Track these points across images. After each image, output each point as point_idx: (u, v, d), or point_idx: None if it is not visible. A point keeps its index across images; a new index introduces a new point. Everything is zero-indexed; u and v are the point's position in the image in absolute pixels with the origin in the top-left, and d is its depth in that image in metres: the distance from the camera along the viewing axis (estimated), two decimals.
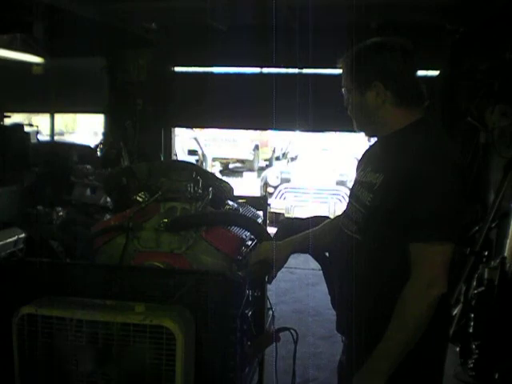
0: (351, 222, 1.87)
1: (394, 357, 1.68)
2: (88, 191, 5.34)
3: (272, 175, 9.93)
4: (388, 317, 1.71)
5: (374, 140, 2.08)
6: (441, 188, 1.68)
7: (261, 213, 2.79)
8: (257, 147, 16.06)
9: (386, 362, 1.68)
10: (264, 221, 2.70)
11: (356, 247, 1.80)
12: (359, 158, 2.12)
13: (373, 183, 1.80)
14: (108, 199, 5.32)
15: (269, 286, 2.49)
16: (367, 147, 2.16)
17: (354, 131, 2.03)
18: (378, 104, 1.82)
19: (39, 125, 6.62)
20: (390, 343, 1.68)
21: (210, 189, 2.42)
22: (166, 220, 2.12)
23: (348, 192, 2.30)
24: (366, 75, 1.82)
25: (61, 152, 5.83)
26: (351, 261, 1.81)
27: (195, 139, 13.03)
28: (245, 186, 11.47)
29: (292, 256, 3.96)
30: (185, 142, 12.37)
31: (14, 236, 3.58)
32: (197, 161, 12.42)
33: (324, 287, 2.23)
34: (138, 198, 2.31)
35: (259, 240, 2.20)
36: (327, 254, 2.21)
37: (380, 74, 1.81)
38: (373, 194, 1.77)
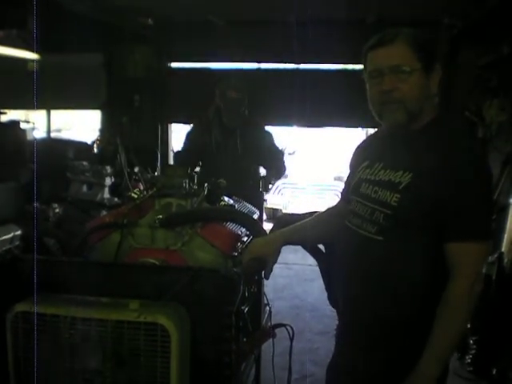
0: (367, 222, 1.79)
1: (445, 358, 1.67)
2: (84, 188, 5.33)
3: None
4: (411, 318, 1.70)
5: (367, 133, 2.05)
6: (480, 186, 1.66)
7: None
8: None
9: (438, 365, 1.67)
10: (260, 217, 2.69)
11: (377, 249, 1.75)
12: (354, 152, 2.07)
13: (394, 182, 1.72)
14: (105, 196, 5.32)
15: (266, 282, 2.48)
16: (361, 141, 2.11)
17: (352, 126, 1.99)
18: (435, 89, 1.74)
19: (36, 121, 6.59)
20: (441, 346, 1.66)
21: (206, 185, 2.42)
22: (160, 216, 2.11)
23: None
24: (435, 56, 1.73)
25: (57, 149, 5.81)
26: (371, 263, 1.76)
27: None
28: None
29: (289, 252, 3.97)
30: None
31: (10, 233, 3.55)
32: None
33: (321, 283, 2.21)
34: (132, 194, 2.31)
35: (254, 236, 2.18)
36: (323, 250, 2.19)
37: (439, 58, 1.75)
38: (399, 193, 1.70)
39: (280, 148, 4.25)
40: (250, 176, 3.86)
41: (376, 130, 2.08)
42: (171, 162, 6.26)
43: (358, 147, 2.08)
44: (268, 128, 4.30)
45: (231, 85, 3.87)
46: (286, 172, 4.35)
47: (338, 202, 2.16)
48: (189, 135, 4.09)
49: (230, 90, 3.80)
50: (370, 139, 2.09)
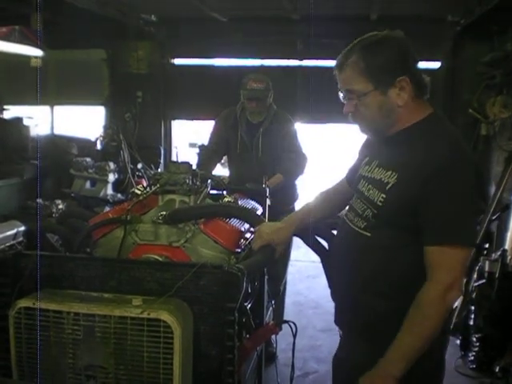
0: (358, 217, 1.81)
1: (408, 360, 1.63)
2: (88, 184, 5.34)
3: None
4: (391, 315, 1.70)
5: None
6: (462, 189, 1.62)
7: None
8: None
9: (399, 366, 1.63)
10: (263, 212, 2.69)
11: (364, 244, 1.76)
12: (362, 144, 2.05)
13: (384, 182, 1.73)
14: (108, 192, 5.32)
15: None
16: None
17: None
18: (402, 100, 1.71)
19: (39, 118, 6.60)
20: (405, 347, 1.64)
21: (209, 181, 2.42)
22: (164, 212, 2.11)
23: None
24: (390, 72, 1.70)
25: (60, 145, 5.82)
26: (357, 256, 1.78)
27: (196, 132, 12.99)
28: None
29: (293, 249, 3.96)
30: (188, 134, 12.36)
31: (14, 229, 3.55)
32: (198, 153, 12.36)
33: (324, 280, 2.21)
34: (136, 190, 2.31)
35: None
36: (327, 246, 2.18)
37: (405, 66, 1.71)
38: (385, 194, 1.70)
39: (303, 151, 3.96)
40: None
41: None
42: (175, 158, 6.24)
43: (366, 140, 2.05)
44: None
45: (251, 76, 3.85)
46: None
47: (341, 180, 2.15)
48: (215, 131, 4.03)
49: (250, 81, 3.78)
50: None
